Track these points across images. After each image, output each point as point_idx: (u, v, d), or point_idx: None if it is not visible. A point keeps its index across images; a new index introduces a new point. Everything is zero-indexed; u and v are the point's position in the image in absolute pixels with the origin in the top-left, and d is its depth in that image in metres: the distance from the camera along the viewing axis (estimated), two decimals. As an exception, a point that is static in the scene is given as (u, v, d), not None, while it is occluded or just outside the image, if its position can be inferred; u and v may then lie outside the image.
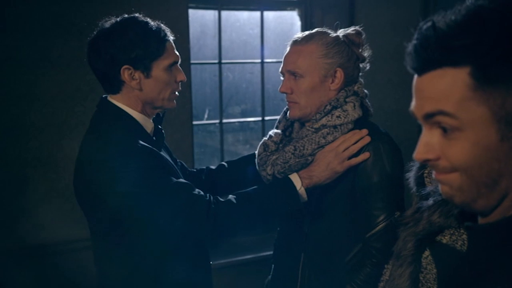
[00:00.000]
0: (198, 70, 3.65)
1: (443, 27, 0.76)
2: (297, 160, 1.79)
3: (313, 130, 1.79)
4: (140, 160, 1.64)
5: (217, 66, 3.63)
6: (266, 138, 1.94)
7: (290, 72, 1.81)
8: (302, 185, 1.74)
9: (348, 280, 1.76)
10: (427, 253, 1.26)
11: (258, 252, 3.53)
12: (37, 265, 2.94)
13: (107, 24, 1.74)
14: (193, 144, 3.42)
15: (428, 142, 0.82)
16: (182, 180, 1.72)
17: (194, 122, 3.48)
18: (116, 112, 1.76)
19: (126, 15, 1.77)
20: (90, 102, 2.93)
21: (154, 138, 1.83)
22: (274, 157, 1.87)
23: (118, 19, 1.75)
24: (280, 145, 1.90)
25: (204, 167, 2.25)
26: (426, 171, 1.31)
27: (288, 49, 1.86)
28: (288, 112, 1.88)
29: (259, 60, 3.76)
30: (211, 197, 1.70)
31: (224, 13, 3.63)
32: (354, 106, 1.79)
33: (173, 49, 1.79)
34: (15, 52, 2.83)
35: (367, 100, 1.86)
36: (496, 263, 0.75)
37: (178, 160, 2.12)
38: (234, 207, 1.71)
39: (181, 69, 1.83)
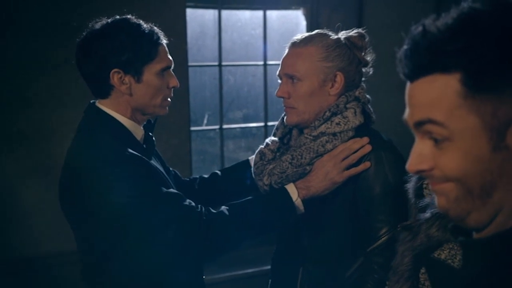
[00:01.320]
0: (197, 72, 3.64)
1: (434, 31, 0.76)
2: (294, 169, 1.78)
3: (311, 138, 1.78)
4: (129, 169, 1.64)
5: (217, 68, 3.62)
6: (262, 146, 1.93)
7: (288, 75, 1.80)
8: (298, 196, 1.73)
9: (349, 297, 1.73)
10: (424, 269, 1.24)
11: (258, 265, 3.50)
12: (26, 278, 2.92)
13: (98, 25, 1.73)
14: (191, 151, 3.41)
15: (421, 153, 0.82)
16: (172, 190, 1.71)
17: (193, 128, 3.47)
18: (104, 118, 1.75)
19: (117, 17, 1.76)
20: (82, 107, 2.92)
21: (144, 146, 1.82)
22: (271, 166, 1.85)
23: (109, 20, 1.75)
24: (277, 153, 1.89)
25: (198, 176, 2.24)
26: (426, 182, 1.30)
27: (286, 51, 1.84)
28: (285, 118, 1.86)
29: (261, 62, 3.76)
30: (203, 208, 1.69)
31: (225, 13, 3.62)
32: (355, 112, 1.77)
33: (166, 53, 1.79)
34: (4, 54, 2.83)
35: (369, 106, 1.84)
36: (491, 279, 0.75)
37: (171, 169, 2.11)
38: (227, 219, 1.70)
39: (173, 74, 1.82)
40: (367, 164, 1.71)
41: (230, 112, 3.84)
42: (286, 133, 1.95)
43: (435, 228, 1.22)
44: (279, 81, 1.85)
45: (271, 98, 3.79)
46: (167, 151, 3.25)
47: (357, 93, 1.80)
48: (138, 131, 1.80)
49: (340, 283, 1.76)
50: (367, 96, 1.84)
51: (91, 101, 1.80)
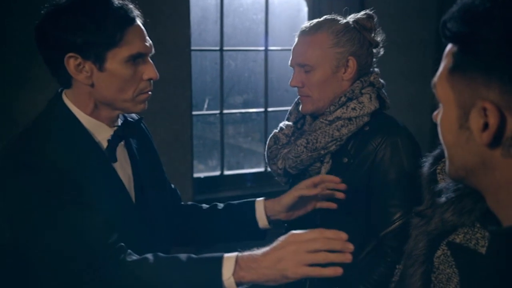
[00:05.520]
0: (198, 57, 3.67)
1: (454, 8, 0.83)
2: (309, 154, 1.82)
3: (326, 122, 1.81)
4: (44, 181, 1.39)
5: (218, 53, 3.64)
6: (276, 131, 1.97)
7: (300, 64, 1.83)
8: (233, 275, 1.34)
9: (361, 279, 1.79)
10: (439, 252, 1.29)
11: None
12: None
13: (62, 0, 1.48)
14: (193, 136, 3.45)
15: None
16: (97, 216, 1.43)
17: (194, 112, 3.50)
18: (61, 111, 1.52)
19: None
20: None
21: (106, 150, 1.55)
22: (286, 150, 1.90)
23: None
24: (292, 138, 1.93)
25: (197, 204, 1.96)
26: (439, 167, 1.34)
27: (296, 40, 1.87)
28: (300, 107, 1.90)
29: (263, 48, 3.78)
30: (120, 252, 1.41)
31: (228, -2, 3.64)
32: (371, 97, 1.81)
33: (139, 36, 1.50)
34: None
35: (383, 91, 1.88)
36: None
37: (173, 186, 1.89)
38: (133, 273, 1.40)
39: (151, 63, 1.54)
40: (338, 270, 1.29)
41: (230, 97, 3.88)
42: (299, 118, 1.98)
43: (450, 212, 1.27)
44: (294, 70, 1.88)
45: (271, 83, 3.83)
46: (168, 136, 3.28)
47: (372, 78, 1.84)
48: (100, 131, 1.54)
49: (352, 265, 1.82)
50: (382, 81, 1.88)
51: (59, 89, 1.58)
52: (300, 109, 1.91)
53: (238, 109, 3.92)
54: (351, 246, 1.31)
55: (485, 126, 0.78)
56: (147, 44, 1.52)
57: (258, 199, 1.81)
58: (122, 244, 1.43)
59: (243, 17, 3.79)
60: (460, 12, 0.80)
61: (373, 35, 1.85)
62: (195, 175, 3.56)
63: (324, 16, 1.88)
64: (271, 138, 1.96)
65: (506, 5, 0.76)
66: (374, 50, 1.87)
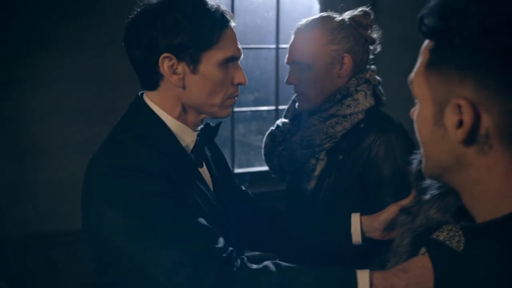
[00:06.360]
0: (209, 55, 3.68)
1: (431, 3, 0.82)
2: (304, 151, 1.82)
3: (321, 119, 1.82)
4: (147, 184, 1.34)
5: (229, 51, 3.65)
6: (273, 128, 1.98)
7: (295, 62, 1.84)
8: None
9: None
10: (423, 249, 1.29)
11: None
12: (35, 255, 3.01)
13: (154, 0, 1.45)
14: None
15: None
16: (202, 221, 1.38)
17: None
18: (146, 115, 1.47)
19: None
20: (63, 87, 2.97)
21: (192, 155, 1.51)
22: (281, 147, 1.91)
23: None
24: (288, 135, 1.93)
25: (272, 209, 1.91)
26: None
27: (292, 37, 1.87)
28: (297, 105, 1.91)
29: (274, 46, 3.79)
30: (234, 258, 1.34)
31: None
32: (366, 95, 1.81)
33: (234, 39, 1.47)
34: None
35: (380, 88, 1.87)
36: (495, 265, 0.78)
37: (243, 188, 1.81)
38: (262, 283, 1.32)
39: (241, 68, 1.50)
40: None
41: (241, 95, 3.85)
42: (296, 115, 1.99)
43: (435, 209, 1.28)
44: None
45: (282, 82, 3.78)
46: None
47: (367, 75, 1.84)
48: (186, 136, 1.49)
49: (346, 262, 1.82)
50: (378, 78, 1.87)
51: (140, 92, 1.53)
52: (296, 106, 1.92)
53: (249, 107, 3.93)
54: None
55: (460, 123, 0.77)
56: (240, 47, 1.49)
57: (354, 215, 1.71)
58: (232, 248, 1.35)
59: (254, 15, 3.79)
60: (437, 7, 0.80)
61: (369, 32, 1.85)
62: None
63: (320, 14, 1.89)
64: (267, 135, 1.97)
65: (481, 2, 0.76)
66: (371, 47, 1.86)
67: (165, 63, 1.40)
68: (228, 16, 1.45)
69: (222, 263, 1.30)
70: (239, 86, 1.51)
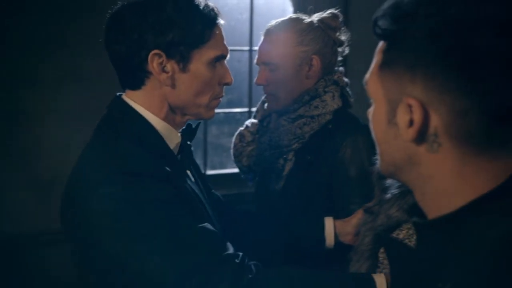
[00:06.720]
0: (183, 56, 3.67)
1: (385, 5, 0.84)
2: (272, 151, 1.83)
3: (289, 120, 1.83)
4: (153, 190, 1.26)
5: (202, 52, 3.64)
6: (242, 128, 1.99)
7: (265, 63, 1.85)
8: None
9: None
10: (383, 249, 1.31)
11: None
12: (13, 257, 2.99)
13: None
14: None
15: None
16: (208, 226, 1.31)
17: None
18: (131, 116, 1.37)
19: None
20: (58, 87, 2.95)
21: (178, 157, 1.46)
22: (250, 148, 1.92)
23: None
24: (257, 135, 1.94)
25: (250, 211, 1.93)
26: None
27: (261, 38, 1.89)
28: (266, 105, 1.92)
29: (247, 48, 3.79)
30: (246, 262, 1.29)
31: (212, -3, 3.65)
32: (333, 96, 1.83)
33: (223, 37, 1.44)
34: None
35: (347, 89, 1.89)
36: (444, 260, 0.80)
37: (213, 191, 1.72)
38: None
39: (228, 67, 1.47)
40: None
41: (214, 96, 3.88)
42: (265, 116, 2.00)
43: (395, 208, 1.30)
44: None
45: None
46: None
47: (335, 77, 1.86)
48: (173, 138, 1.42)
49: (313, 260, 1.83)
50: (346, 79, 1.89)
51: (117, 94, 1.44)
52: (265, 107, 1.93)
53: (222, 109, 3.92)
54: None
55: (411, 122, 0.79)
56: (227, 46, 1.45)
57: (327, 217, 1.71)
58: (242, 253, 1.30)
59: (228, 17, 3.75)
60: (390, 10, 0.82)
61: (338, 34, 1.87)
62: (178, 174, 3.56)
63: (289, 15, 1.90)
64: (236, 136, 1.98)
65: (431, 4, 0.78)
66: (339, 49, 1.88)
67: (155, 60, 1.32)
68: (218, 14, 1.41)
69: (236, 269, 1.25)
70: (224, 87, 1.47)
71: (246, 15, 3.77)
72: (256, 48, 3.72)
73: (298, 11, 3.66)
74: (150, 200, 1.24)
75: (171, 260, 1.22)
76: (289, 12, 3.82)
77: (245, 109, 3.87)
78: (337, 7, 1.94)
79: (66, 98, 2.94)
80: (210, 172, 3.79)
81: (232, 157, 1.99)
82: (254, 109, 3.81)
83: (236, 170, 3.81)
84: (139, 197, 1.24)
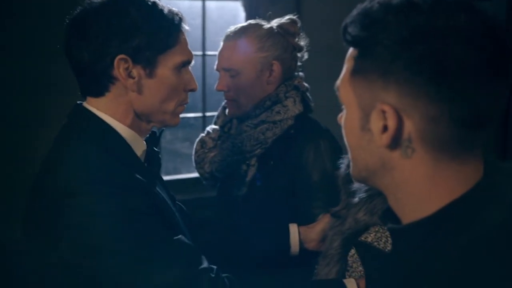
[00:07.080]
0: (135, 61, 3.63)
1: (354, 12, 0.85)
2: (235, 157, 1.84)
3: (252, 125, 1.84)
4: (128, 201, 1.22)
5: (155, 57, 3.61)
6: (203, 134, 1.98)
7: (225, 69, 1.85)
8: None
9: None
10: (353, 251, 1.34)
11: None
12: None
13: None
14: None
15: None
16: (182, 238, 1.29)
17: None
18: (96, 124, 1.32)
19: None
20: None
21: (145, 164, 1.42)
22: (212, 154, 1.91)
23: None
24: (218, 141, 1.94)
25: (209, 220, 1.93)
26: None
27: (221, 44, 1.89)
28: (227, 111, 1.92)
29: (200, 53, 3.79)
30: (221, 277, 1.29)
31: (164, 2, 3.62)
32: (295, 101, 1.85)
33: (187, 43, 1.40)
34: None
35: (308, 94, 1.92)
36: (421, 264, 0.81)
37: (177, 202, 1.65)
38: None
39: (192, 73, 1.45)
40: None
41: (167, 102, 3.86)
42: (227, 122, 1.99)
43: (363, 212, 1.33)
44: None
45: (209, 88, 3.82)
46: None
47: (296, 82, 1.88)
48: (139, 145, 1.38)
49: (279, 266, 1.84)
50: (306, 84, 1.91)
51: (78, 102, 1.39)
52: (226, 113, 1.93)
53: (176, 114, 3.90)
54: None
55: (385, 128, 0.80)
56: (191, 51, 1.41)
57: (291, 224, 1.72)
58: (215, 267, 1.29)
59: (180, 22, 3.78)
60: (359, 16, 0.83)
61: (296, 39, 1.89)
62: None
63: (248, 21, 1.91)
64: (198, 142, 1.97)
65: (399, 11, 0.79)
66: (298, 54, 1.90)
67: (121, 66, 1.28)
68: (182, 18, 1.38)
69: (212, 283, 1.24)
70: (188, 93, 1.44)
71: (199, 20, 3.76)
72: (209, 53, 3.77)
73: (250, 17, 3.72)
74: (125, 211, 1.20)
75: (147, 275, 1.20)
76: (241, 18, 3.84)
77: (199, 114, 3.86)
78: (294, 14, 1.96)
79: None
80: (164, 178, 3.74)
81: (194, 164, 1.98)
82: (208, 114, 3.84)
83: (190, 175, 3.84)
84: (113, 209, 1.20)
